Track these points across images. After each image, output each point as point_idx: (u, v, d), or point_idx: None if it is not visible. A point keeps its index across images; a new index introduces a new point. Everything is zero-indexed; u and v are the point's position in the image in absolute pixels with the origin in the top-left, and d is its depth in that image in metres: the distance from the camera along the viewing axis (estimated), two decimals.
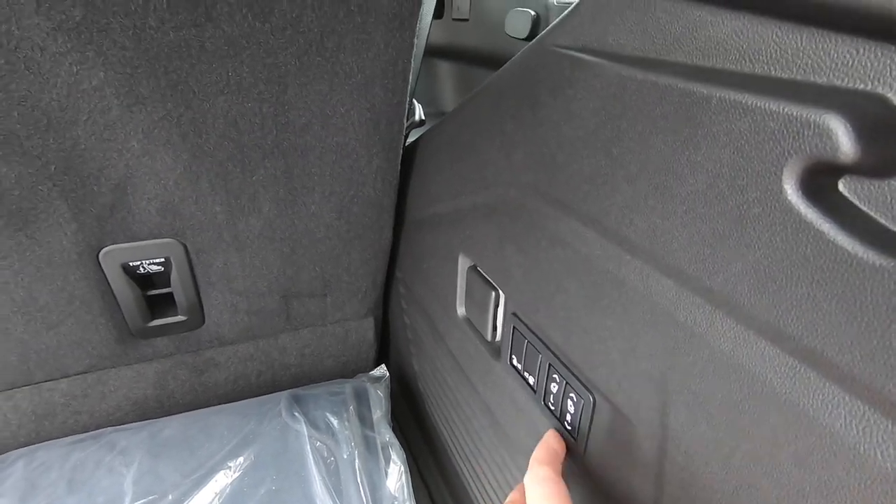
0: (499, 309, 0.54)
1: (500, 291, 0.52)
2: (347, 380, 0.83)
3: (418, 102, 0.92)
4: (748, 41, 0.22)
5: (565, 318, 0.40)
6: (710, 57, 0.24)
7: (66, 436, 0.72)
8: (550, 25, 0.38)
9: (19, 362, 0.64)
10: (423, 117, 0.78)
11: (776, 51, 0.21)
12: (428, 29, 0.89)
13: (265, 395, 0.80)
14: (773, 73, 0.22)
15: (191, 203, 0.58)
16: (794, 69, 0.21)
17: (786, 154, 0.20)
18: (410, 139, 0.72)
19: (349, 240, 0.72)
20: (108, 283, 0.62)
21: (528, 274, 0.44)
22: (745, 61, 0.23)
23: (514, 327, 0.49)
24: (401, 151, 0.66)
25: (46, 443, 0.70)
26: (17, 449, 0.69)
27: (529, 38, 0.74)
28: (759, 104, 0.21)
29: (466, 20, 0.89)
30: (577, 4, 0.34)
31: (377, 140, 0.62)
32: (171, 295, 0.68)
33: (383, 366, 0.86)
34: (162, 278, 0.66)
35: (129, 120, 0.49)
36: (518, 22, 0.75)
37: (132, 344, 0.70)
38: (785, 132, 0.20)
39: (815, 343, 0.21)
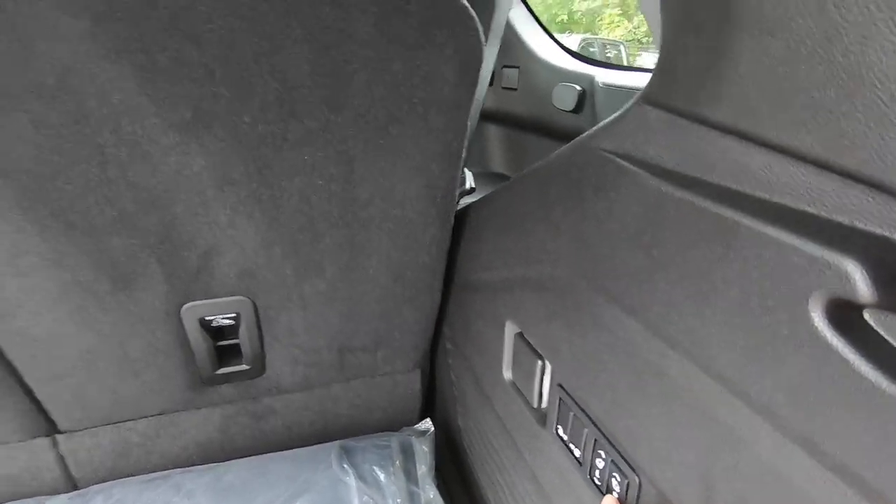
0: (545, 377, 0.56)
1: (547, 361, 0.54)
2: (394, 433, 0.85)
3: (467, 162, 0.98)
4: (776, 175, 0.25)
5: (611, 397, 0.42)
6: (741, 183, 0.27)
7: (139, 474, 0.78)
8: (598, 127, 0.42)
9: (107, 404, 0.71)
10: (473, 185, 0.83)
11: (802, 187, 0.24)
12: (482, 99, 0.95)
13: (317, 443, 0.83)
14: (799, 206, 0.24)
15: (264, 267, 0.65)
16: (819, 206, 0.23)
17: (810, 287, 0.22)
18: (461, 205, 0.77)
19: (402, 300, 0.77)
20: (186, 335, 0.68)
21: (575, 349, 0.47)
22: (774, 192, 0.25)
23: (559, 398, 0.51)
24: (453, 220, 0.71)
25: (122, 480, 0.76)
26: (96, 484, 0.75)
27: (575, 110, 0.79)
28: (783, 238, 0.23)
29: (515, 89, 0.95)
30: (623, 114, 0.37)
31: (432, 211, 0.67)
32: (237, 345, 0.74)
33: (428, 420, 0.88)
34: (231, 330, 0.72)
35: (220, 198, 0.56)
36: (565, 95, 0.80)
37: (201, 390, 0.76)
38: (808, 268, 0.22)
39: (850, 461, 0.22)
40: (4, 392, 0.64)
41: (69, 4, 0.40)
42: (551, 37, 0.95)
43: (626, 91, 0.64)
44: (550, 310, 0.50)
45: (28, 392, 0.66)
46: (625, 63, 6.84)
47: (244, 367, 0.76)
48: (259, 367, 0.77)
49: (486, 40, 0.75)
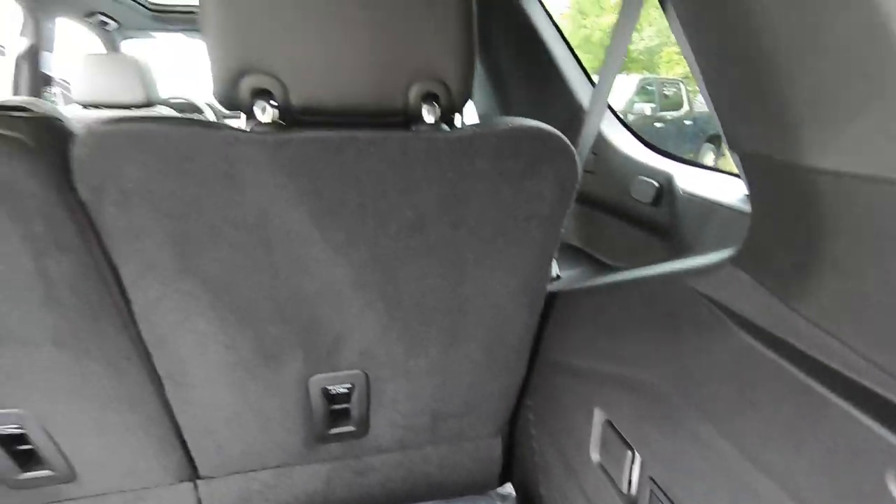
0: (634, 465, 0.62)
1: (637, 453, 0.60)
2: (479, 496, 0.92)
3: None
4: (861, 366, 0.32)
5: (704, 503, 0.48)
6: (831, 360, 0.34)
7: None
8: (691, 266, 0.49)
9: (240, 455, 0.83)
10: (559, 273, 0.90)
11: (883, 384, 0.30)
12: None
13: (409, 499, 0.92)
14: (886, 395, 0.30)
15: (380, 348, 0.75)
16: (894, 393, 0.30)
17: (886, 464, 0.28)
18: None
19: (491, 374, 0.85)
20: (310, 401, 0.80)
21: (667, 451, 0.53)
22: (861, 375, 0.32)
23: (651, 491, 0.56)
24: (542, 307, 0.79)
25: None
26: None
27: (654, 203, 0.86)
28: (863, 420, 0.30)
29: (592, 172, 1.03)
30: (716, 266, 0.45)
31: (524, 301, 0.76)
32: (348, 409, 0.84)
33: (510, 485, 0.95)
34: (345, 397, 0.83)
35: (354, 297, 0.67)
36: (644, 189, 0.87)
37: (314, 447, 0.87)
38: (887, 449, 0.28)
39: None
40: (166, 445, 0.77)
41: (280, 167, 0.53)
42: (628, 128, 1.04)
43: (709, 204, 0.70)
44: (643, 410, 0.57)
45: (183, 444, 0.79)
46: (684, 100, 6.78)
47: (351, 428, 0.86)
48: (364, 428, 0.87)
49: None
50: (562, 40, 1.11)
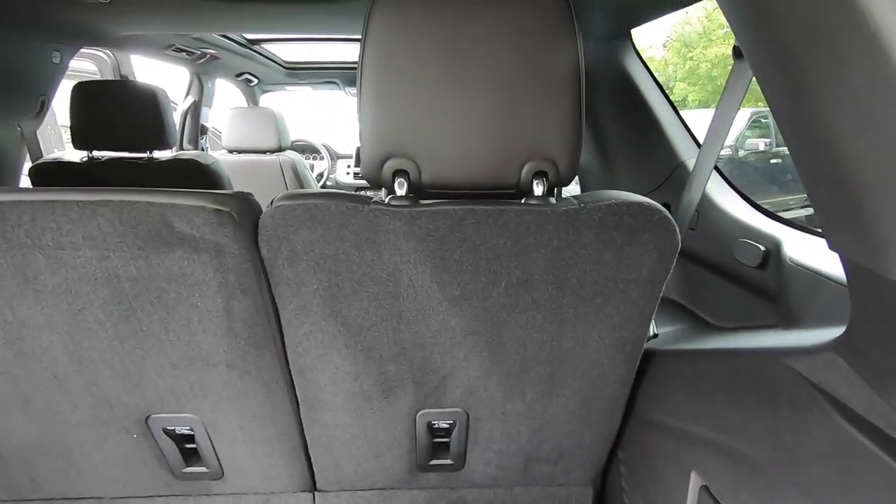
0: None
1: None
2: None
3: None
4: None
5: None
6: None
7: None
8: (796, 344, 0.51)
9: (352, 474, 0.94)
10: (657, 332, 0.92)
11: None
12: None
13: None
14: None
15: (481, 389, 0.83)
16: None
17: None
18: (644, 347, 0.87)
19: (585, 424, 0.88)
20: (415, 432, 0.89)
21: None
22: None
23: None
24: (638, 363, 0.82)
25: None
26: None
27: (760, 267, 0.85)
28: None
29: (693, 230, 1.04)
30: (817, 349, 0.47)
31: (621, 357, 0.79)
32: (447, 443, 0.92)
33: None
34: (446, 433, 0.91)
35: (463, 343, 0.76)
36: (748, 252, 0.87)
37: (415, 474, 0.96)
38: None
39: None
40: (294, 457, 0.90)
41: (412, 234, 0.64)
42: (733, 187, 1.04)
43: (817, 276, 0.70)
44: (742, 479, 0.58)
45: (307, 458, 0.91)
46: None
47: (450, 461, 0.94)
48: (461, 463, 0.94)
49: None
50: (665, 100, 1.15)
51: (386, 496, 0.98)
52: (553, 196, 0.70)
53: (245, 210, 0.64)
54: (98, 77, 2.09)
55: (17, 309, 0.65)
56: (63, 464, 0.85)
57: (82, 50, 1.64)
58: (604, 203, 0.65)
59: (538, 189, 0.67)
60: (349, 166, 3.39)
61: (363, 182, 3.35)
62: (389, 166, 0.66)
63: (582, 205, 0.65)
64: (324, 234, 0.63)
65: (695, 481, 0.68)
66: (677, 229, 0.68)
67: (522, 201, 0.68)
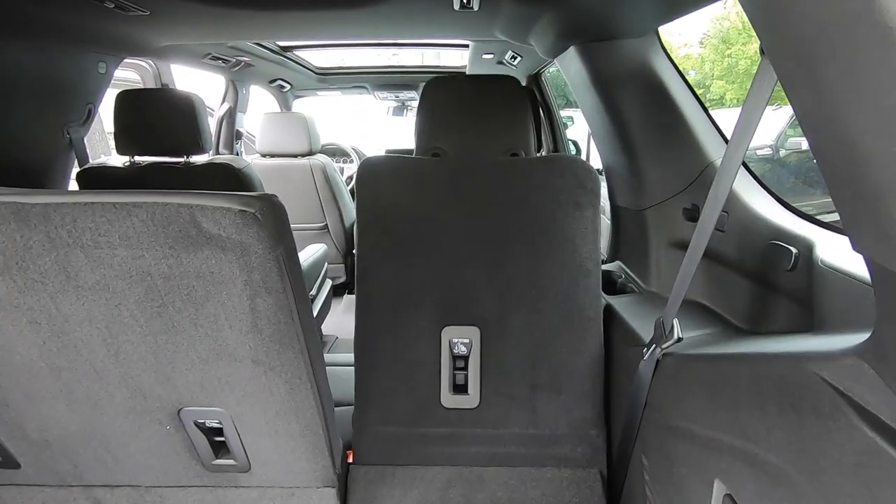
0: None
1: None
2: None
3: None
4: None
5: None
6: None
7: None
8: (820, 349, 0.49)
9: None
10: (681, 335, 0.90)
11: None
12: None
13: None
14: None
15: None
16: None
17: None
18: (666, 350, 0.85)
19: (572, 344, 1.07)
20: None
21: None
22: None
23: None
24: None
25: None
26: None
27: (791, 270, 0.82)
28: None
29: (722, 231, 1.01)
30: (841, 355, 0.45)
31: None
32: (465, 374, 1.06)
33: None
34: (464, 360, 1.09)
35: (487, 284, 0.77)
36: (780, 255, 0.84)
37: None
38: None
39: None
40: (317, 452, 0.92)
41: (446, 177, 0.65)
42: (764, 187, 1.00)
43: (851, 280, 0.67)
44: (767, 488, 0.56)
45: (330, 453, 0.94)
46: None
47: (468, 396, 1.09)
48: (475, 399, 1.09)
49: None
50: (694, 99, 1.12)
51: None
52: None
53: (269, 211, 0.67)
54: (141, 86, 2.20)
55: (60, 304, 0.69)
56: (102, 452, 0.90)
57: (126, 60, 1.73)
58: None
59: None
60: None
61: None
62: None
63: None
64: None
65: (718, 489, 0.67)
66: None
67: None
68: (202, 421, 0.85)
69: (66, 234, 0.64)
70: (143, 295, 0.68)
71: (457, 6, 1.28)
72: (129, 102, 1.38)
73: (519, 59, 2.10)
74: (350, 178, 3.38)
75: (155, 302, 0.69)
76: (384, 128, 4.02)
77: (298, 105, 3.19)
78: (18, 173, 1.42)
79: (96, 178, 1.46)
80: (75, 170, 1.60)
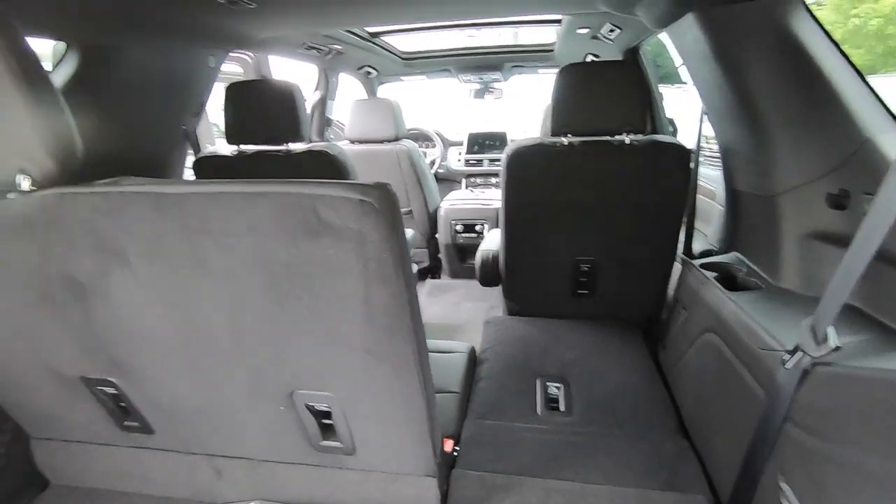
0: None
1: None
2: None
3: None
4: None
5: None
6: None
7: None
8: None
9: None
10: (838, 343, 0.78)
11: None
12: None
13: None
14: None
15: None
16: None
17: None
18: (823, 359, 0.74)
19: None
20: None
21: None
22: None
23: None
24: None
25: None
26: None
27: None
28: None
29: None
30: None
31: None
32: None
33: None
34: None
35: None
36: None
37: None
38: None
39: None
40: (421, 441, 0.92)
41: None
42: None
43: None
44: None
45: (433, 443, 0.93)
46: None
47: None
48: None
49: None
50: (847, 65, 0.96)
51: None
52: None
53: (386, 200, 0.65)
54: (242, 77, 2.32)
55: (192, 288, 0.73)
56: (222, 425, 0.96)
57: (230, 54, 1.82)
58: None
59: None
60: (460, 153, 3.41)
61: (473, 168, 3.35)
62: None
63: None
64: None
65: None
66: None
67: None
68: (312, 404, 0.88)
69: (196, 223, 0.67)
70: (265, 281, 0.70)
71: None
72: (239, 94, 1.45)
73: (617, 31, 1.95)
74: (432, 162, 3.38)
75: (275, 288, 0.71)
76: (465, 111, 3.97)
77: (384, 91, 3.23)
78: (144, 163, 1.55)
79: (209, 166, 1.56)
80: (190, 158, 1.72)
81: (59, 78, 1.22)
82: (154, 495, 1.07)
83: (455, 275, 2.83)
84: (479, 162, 3.34)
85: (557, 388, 1.30)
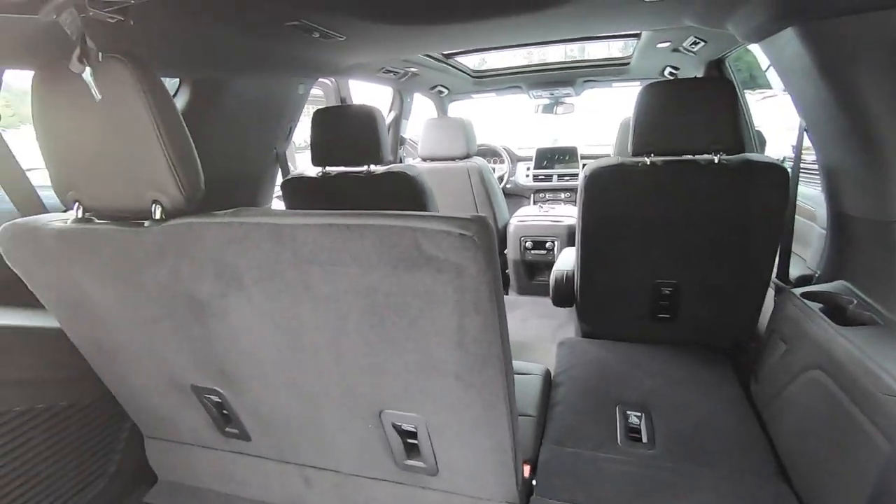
0: None
1: None
2: None
3: None
4: None
5: None
6: None
7: None
8: None
9: None
10: None
11: None
12: None
13: None
14: None
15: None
16: None
17: None
18: None
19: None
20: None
21: None
22: None
23: None
24: None
25: None
26: None
27: None
28: None
29: None
30: None
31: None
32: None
33: None
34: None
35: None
36: None
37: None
38: None
39: None
40: (505, 469, 0.92)
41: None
42: None
43: None
44: None
45: (517, 472, 0.93)
46: None
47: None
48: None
49: None
50: None
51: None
52: None
53: (484, 234, 0.67)
54: (324, 100, 2.46)
55: (299, 312, 0.78)
56: (315, 437, 1.01)
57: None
58: None
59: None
60: (528, 168, 3.40)
61: (542, 183, 3.32)
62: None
63: None
64: None
65: None
66: None
67: None
68: (400, 423, 0.90)
69: (307, 252, 0.72)
70: (367, 308, 0.74)
71: None
72: (325, 118, 1.54)
73: (701, 45, 1.88)
74: (501, 178, 3.39)
75: (375, 315, 0.74)
76: (531, 126, 3.95)
77: (454, 109, 3.29)
78: (240, 185, 1.68)
79: (297, 187, 1.66)
80: (279, 180, 1.84)
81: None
82: (248, 498, 1.14)
83: (522, 291, 2.81)
84: (549, 177, 3.31)
85: (638, 416, 1.25)
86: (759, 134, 2.60)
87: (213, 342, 0.89)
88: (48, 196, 1.07)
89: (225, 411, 1.04)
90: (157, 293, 0.85)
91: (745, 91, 2.65)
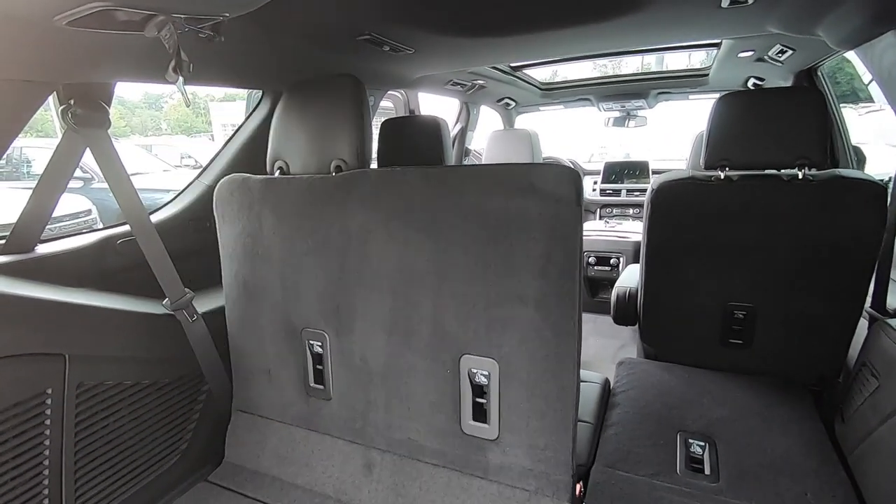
0: None
1: None
2: None
3: None
4: None
5: None
6: None
7: None
8: None
9: None
10: None
11: None
12: None
13: None
14: None
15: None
16: None
17: None
18: None
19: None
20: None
21: None
22: None
23: None
24: None
25: None
26: None
27: None
28: None
29: None
30: None
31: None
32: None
33: None
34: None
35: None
36: None
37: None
38: None
39: None
40: (563, 433, 0.93)
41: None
42: None
43: None
44: None
45: (573, 442, 0.94)
46: None
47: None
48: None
49: None
50: None
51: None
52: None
53: (577, 176, 0.86)
54: (394, 112, 2.55)
55: (423, 238, 0.96)
56: (392, 395, 1.07)
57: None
58: None
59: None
60: (595, 182, 3.32)
61: (609, 198, 3.23)
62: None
63: None
64: None
65: None
66: None
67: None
68: (475, 371, 0.97)
69: (448, 191, 0.93)
70: (475, 235, 0.91)
71: (725, 3, 1.12)
72: (391, 128, 1.60)
73: (789, 53, 1.75)
74: None
75: (480, 243, 0.91)
76: (601, 139, 3.86)
77: (521, 121, 3.29)
78: None
79: None
80: None
81: (258, 116, 1.48)
82: (302, 486, 1.19)
83: (584, 308, 2.73)
84: (617, 192, 3.21)
85: (702, 446, 1.17)
86: (859, 150, 2.37)
87: (343, 276, 1.06)
88: (146, 199, 1.20)
89: (319, 366, 1.15)
90: (320, 225, 1.07)
91: (847, 105, 2.43)
